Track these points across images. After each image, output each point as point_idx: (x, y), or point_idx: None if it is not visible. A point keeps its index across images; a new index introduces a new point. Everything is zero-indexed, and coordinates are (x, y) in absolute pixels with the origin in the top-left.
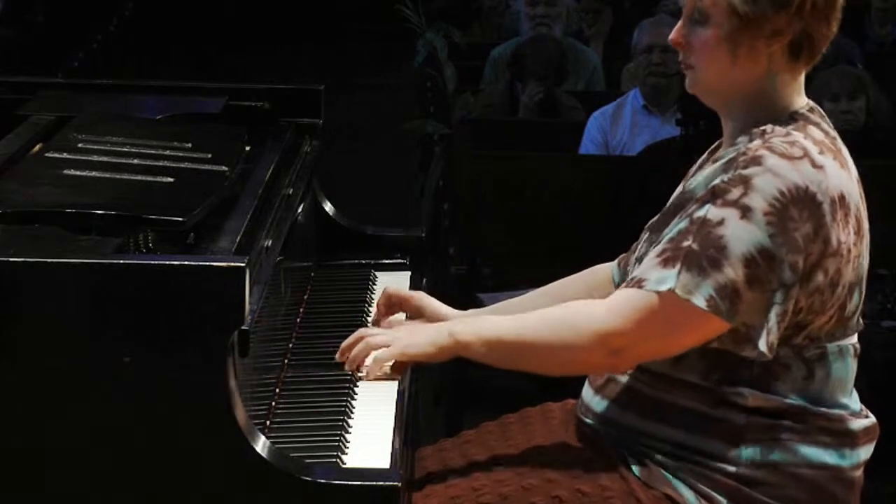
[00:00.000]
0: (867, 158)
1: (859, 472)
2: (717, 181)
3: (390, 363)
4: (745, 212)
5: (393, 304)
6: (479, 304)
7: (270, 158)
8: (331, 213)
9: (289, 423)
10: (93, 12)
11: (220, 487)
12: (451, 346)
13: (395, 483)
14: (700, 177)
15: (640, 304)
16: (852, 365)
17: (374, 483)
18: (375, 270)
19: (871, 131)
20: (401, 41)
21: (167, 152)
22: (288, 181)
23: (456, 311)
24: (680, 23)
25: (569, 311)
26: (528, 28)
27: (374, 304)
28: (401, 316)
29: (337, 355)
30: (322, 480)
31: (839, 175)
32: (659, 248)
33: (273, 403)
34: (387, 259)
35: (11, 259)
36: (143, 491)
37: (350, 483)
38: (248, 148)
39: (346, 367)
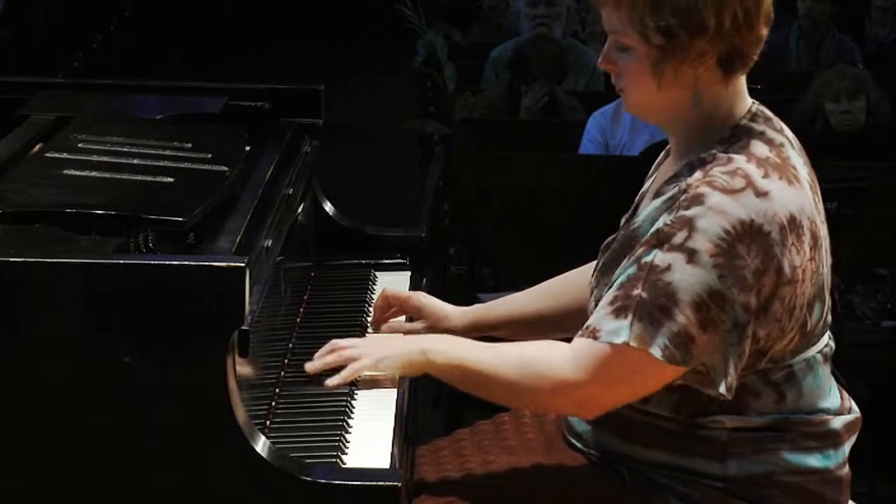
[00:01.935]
0: (867, 159)
1: (846, 470)
2: (660, 223)
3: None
4: (692, 255)
5: (391, 306)
6: None
7: (270, 158)
8: (331, 213)
9: (289, 423)
10: (93, 12)
11: (220, 487)
12: (422, 364)
13: (395, 483)
14: (644, 213)
15: (598, 356)
16: (824, 371)
17: (374, 483)
18: (375, 270)
19: (871, 131)
20: (401, 41)
21: (167, 152)
22: (288, 181)
23: (457, 308)
24: (606, 48)
25: (536, 354)
26: (528, 28)
27: (373, 306)
28: (400, 318)
29: (308, 367)
30: (322, 480)
31: (786, 195)
32: (610, 294)
33: (273, 403)
34: (387, 259)
35: (11, 259)
36: (142, 491)
37: (350, 483)
38: (248, 148)
39: (308, 368)
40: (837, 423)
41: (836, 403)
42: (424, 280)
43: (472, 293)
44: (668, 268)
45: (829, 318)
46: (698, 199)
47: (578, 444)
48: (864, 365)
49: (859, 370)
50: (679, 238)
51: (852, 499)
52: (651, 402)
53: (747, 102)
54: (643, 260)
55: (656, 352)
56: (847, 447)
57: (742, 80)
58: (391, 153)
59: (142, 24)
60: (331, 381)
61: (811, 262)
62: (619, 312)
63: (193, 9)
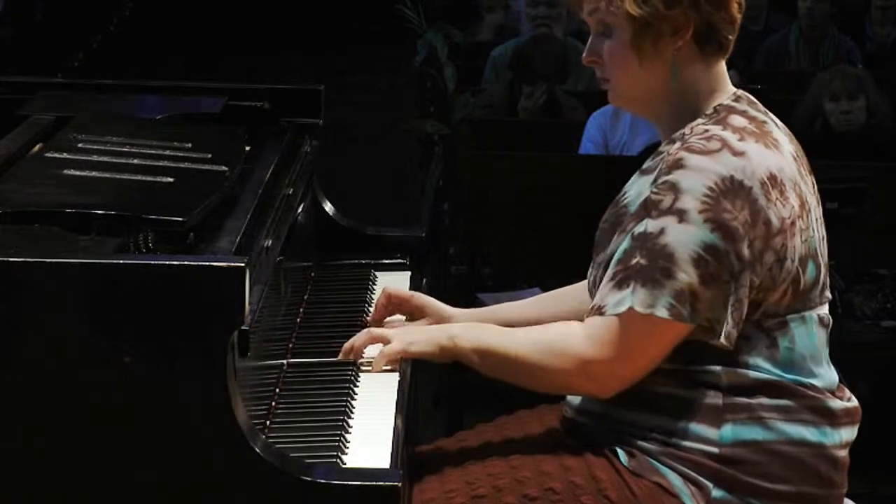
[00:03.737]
0: (867, 159)
1: (843, 453)
2: (646, 193)
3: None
4: (682, 215)
5: (392, 304)
6: (479, 305)
7: (270, 158)
8: (331, 213)
9: (289, 423)
10: (93, 12)
11: (220, 487)
12: (450, 349)
13: (395, 483)
14: (632, 190)
15: (608, 328)
16: (820, 334)
17: (374, 483)
18: (375, 270)
19: (870, 131)
20: (400, 41)
21: (167, 152)
22: (288, 181)
23: (457, 309)
24: (589, 42)
25: (552, 335)
26: (528, 28)
27: (374, 304)
28: (400, 317)
29: (341, 354)
30: (322, 480)
31: (764, 156)
32: (610, 271)
33: (273, 403)
34: (387, 259)
35: (11, 259)
36: (142, 491)
37: (350, 483)
38: (248, 148)
39: (343, 356)
40: (835, 403)
41: (833, 379)
42: (424, 280)
43: (472, 293)
44: (662, 232)
45: (828, 292)
46: (678, 164)
47: (578, 418)
48: (864, 365)
49: (859, 370)
50: (667, 202)
51: (853, 499)
52: None
53: (731, 89)
54: (636, 231)
55: (662, 312)
56: (845, 434)
57: (722, 68)
58: (391, 153)
59: (142, 23)
60: (369, 370)
61: (800, 219)
62: (621, 284)
63: (193, 9)
